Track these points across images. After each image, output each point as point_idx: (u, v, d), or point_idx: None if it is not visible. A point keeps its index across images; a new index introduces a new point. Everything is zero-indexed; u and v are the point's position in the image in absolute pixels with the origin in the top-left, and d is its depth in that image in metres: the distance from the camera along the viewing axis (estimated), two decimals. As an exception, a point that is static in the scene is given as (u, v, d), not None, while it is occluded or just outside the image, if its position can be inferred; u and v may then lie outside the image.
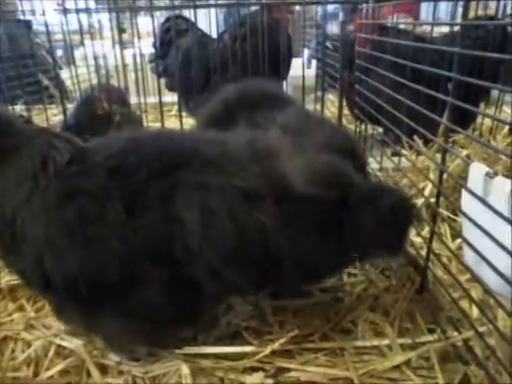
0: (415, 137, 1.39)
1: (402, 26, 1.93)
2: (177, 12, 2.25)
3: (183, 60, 2.12)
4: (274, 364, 0.84)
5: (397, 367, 0.82)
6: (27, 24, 2.56)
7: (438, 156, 0.96)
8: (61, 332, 0.93)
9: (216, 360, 0.85)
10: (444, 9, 2.66)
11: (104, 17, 2.86)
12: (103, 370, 0.84)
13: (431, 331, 0.91)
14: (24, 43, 2.23)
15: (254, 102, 1.02)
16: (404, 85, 1.16)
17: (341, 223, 0.79)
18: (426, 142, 1.52)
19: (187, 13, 2.50)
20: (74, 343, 0.89)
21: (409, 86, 1.12)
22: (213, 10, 2.29)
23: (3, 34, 1.94)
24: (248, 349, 0.86)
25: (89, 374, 0.83)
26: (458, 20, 1.62)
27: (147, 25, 2.47)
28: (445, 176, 1.03)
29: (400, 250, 0.88)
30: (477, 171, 0.96)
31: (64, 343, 0.90)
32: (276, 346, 0.84)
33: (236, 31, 2.07)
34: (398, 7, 1.53)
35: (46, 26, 1.92)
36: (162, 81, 2.23)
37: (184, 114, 2.20)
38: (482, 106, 1.94)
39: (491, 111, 1.89)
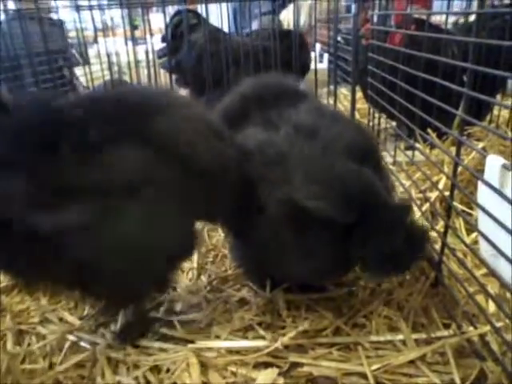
0: (429, 130, 1.37)
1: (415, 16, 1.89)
2: (188, 6, 2.26)
3: (199, 56, 2.10)
4: (286, 359, 0.83)
5: (411, 362, 0.81)
6: (56, 22, 2.57)
7: (453, 150, 0.95)
8: (75, 327, 0.94)
9: (228, 354, 0.85)
10: (458, 3, 2.61)
11: (116, 14, 2.88)
12: (115, 364, 0.85)
13: (446, 326, 0.90)
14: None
15: (270, 98, 1.00)
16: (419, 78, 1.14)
17: (347, 240, 0.79)
18: (440, 135, 1.50)
19: (198, 7, 2.50)
20: (87, 339, 0.91)
21: (423, 78, 1.11)
22: (224, 5, 2.28)
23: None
24: (261, 343, 0.86)
25: (102, 370, 0.83)
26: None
27: (159, 21, 2.48)
28: (459, 170, 1.01)
29: (406, 271, 0.90)
30: (493, 163, 0.95)
31: (78, 338, 0.91)
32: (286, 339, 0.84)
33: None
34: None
35: (61, 23, 1.94)
36: (175, 76, 2.23)
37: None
38: (498, 97, 1.91)
39: (508, 103, 1.85)
